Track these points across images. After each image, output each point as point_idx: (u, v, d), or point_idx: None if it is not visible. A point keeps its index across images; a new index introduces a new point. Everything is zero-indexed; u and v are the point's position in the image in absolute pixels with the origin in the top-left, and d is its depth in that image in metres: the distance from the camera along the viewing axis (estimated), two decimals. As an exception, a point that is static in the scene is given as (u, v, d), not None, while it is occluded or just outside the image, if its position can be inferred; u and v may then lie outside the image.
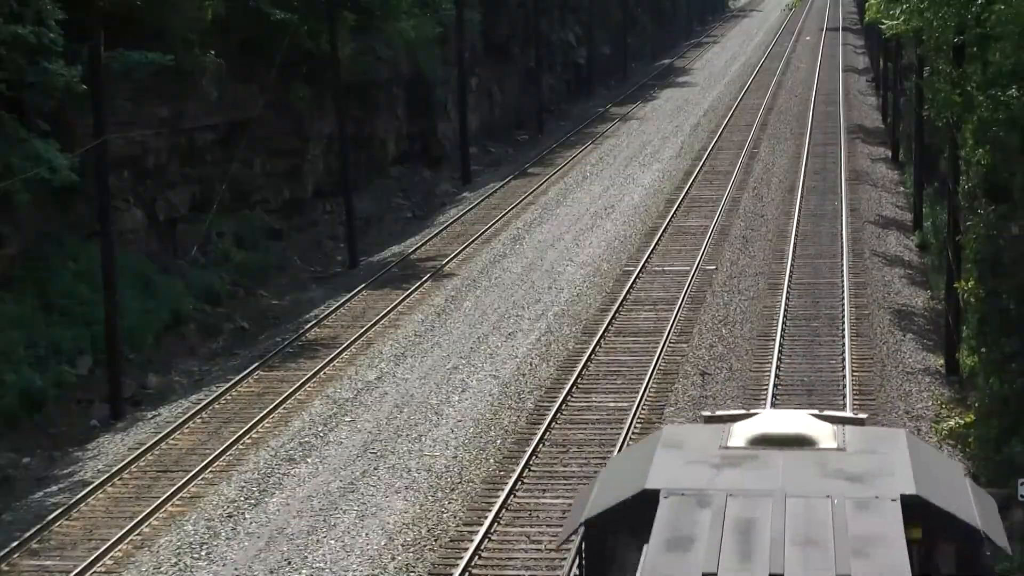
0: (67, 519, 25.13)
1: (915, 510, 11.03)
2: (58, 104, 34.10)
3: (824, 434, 12.52)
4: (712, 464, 11.80)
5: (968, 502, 11.95)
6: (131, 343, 34.39)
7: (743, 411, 13.98)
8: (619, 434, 27.72)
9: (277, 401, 30.64)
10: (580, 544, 11.10)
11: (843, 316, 35.83)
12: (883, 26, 40.65)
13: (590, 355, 33.09)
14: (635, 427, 28.31)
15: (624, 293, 38.50)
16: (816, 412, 13.93)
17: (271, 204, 47.10)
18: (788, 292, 38.05)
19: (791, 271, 40.38)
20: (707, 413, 15.34)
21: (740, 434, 12.57)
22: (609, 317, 36.19)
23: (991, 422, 27.94)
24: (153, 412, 31.29)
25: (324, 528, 24.18)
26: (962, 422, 29.81)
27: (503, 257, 43.81)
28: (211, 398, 31.16)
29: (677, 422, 24.34)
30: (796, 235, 44.86)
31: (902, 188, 54.82)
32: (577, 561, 10.98)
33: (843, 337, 34.07)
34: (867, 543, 10.26)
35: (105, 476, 26.80)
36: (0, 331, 31.54)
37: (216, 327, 38.23)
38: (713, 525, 10.47)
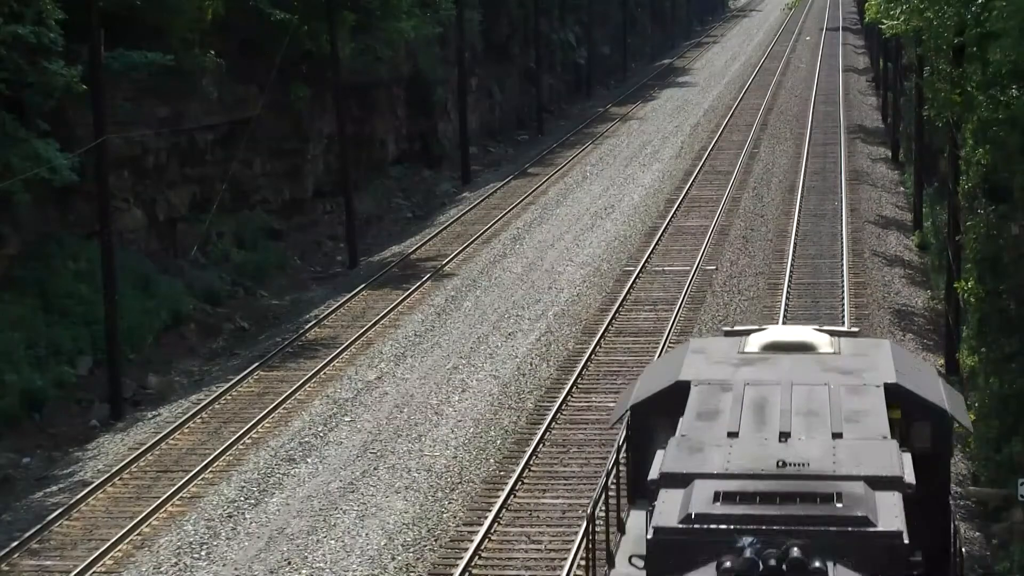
0: (67, 519, 25.13)
1: (895, 395, 13.63)
2: (58, 104, 34.09)
3: (823, 342, 15.20)
4: (732, 364, 14.46)
5: (939, 392, 14.45)
6: (131, 343, 34.39)
7: (756, 326, 16.74)
8: (619, 434, 27.68)
9: (277, 401, 30.64)
10: (627, 424, 14.44)
11: (843, 316, 35.82)
12: (883, 26, 40.63)
13: (590, 355, 33.09)
14: None
15: (624, 293, 38.50)
16: (817, 327, 16.63)
17: (271, 204, 47.11)
18: (788, 292, 38.05)
19: (791, 271, 40.38)
20: (727, 328, 18.15)
21: (754, 342, 15.23)
22: (609, 317, 36.19)
23: (991, 422, 27.94)
24: (153, 412, 31.29)
25: (324, 528, 24.18)
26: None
27: (503, 257, 43.81)
28: (211, 398, 31.16)
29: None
30: (796, 235, 44.87)
31: (902, 188, 54.83)
32: (625, 436, 14.39)
33: (843, 337, 34.05)
34: (856, 415, 12.95)
35: (105, 476, 26.80)
36: (0, 331, 31.55)
37: (216, 327, 38.23)
38: (734, 404, 13.12)
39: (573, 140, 67.24)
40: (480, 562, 22.83)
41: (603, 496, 13.53)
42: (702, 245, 43.90)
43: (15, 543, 23.89)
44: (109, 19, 33.95)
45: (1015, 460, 25.99)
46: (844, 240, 44.21)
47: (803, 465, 11.84)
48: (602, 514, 13.23)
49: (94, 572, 22.97)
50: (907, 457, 12.28)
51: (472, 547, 22.95)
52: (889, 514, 11.06)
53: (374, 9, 49.16)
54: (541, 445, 27.64)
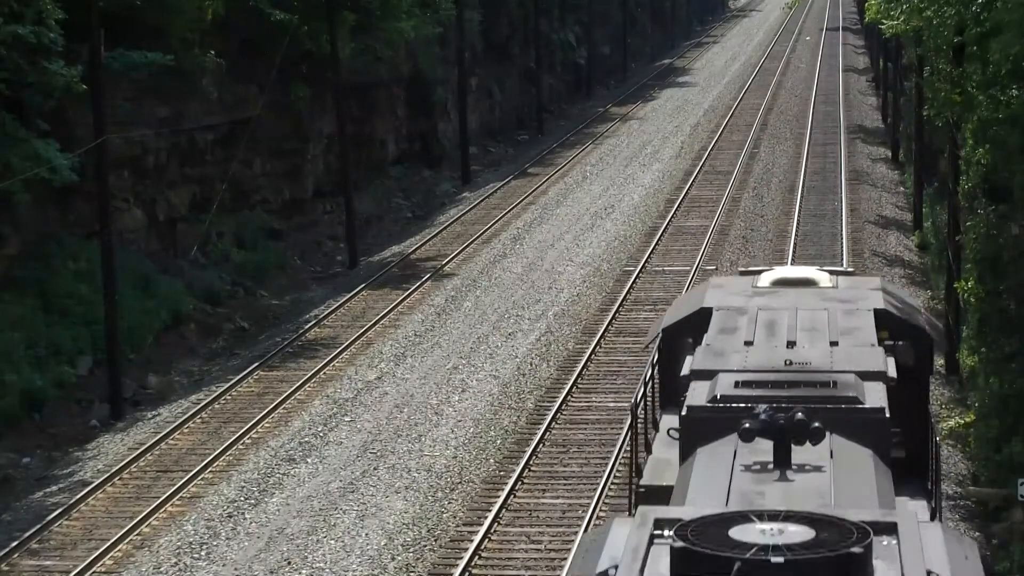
0: (67, 519, 25.13)
1: (882, 319, 15.97)
2: (58, 104, 34.09)
3: (824, 278, 17.82)
4: (747, 295, 17.00)
5: (920, 319, 17.11)
6: (131, 343, 34.39)
7: (767, 267, 19.84)
8: (619, 434, 27.71)
9: (277, 401, 30.64)
10: (658, 346, 16.84)
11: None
12: (883, 26, 40.64)
13: (590, 355, 33.09)
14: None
15: (624, 293, 38.50)
16: (818, 267, 19.25)
17: (271, 204, 47.11)
18: (788, 292, 38.01)
19: (791, 271, 40.33)
20: (741, 269, 22.06)
21: (765, 279, 17.81)
22: (609, 317, 36.19)
23: (991, 422, 27.93)
24: (153, 412, 31.29)
25: (324, 528, 24.18)
26: (962, 422, 29.81)
27: (503, 257, 43.81)
28: (211, 398, 31.16)
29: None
30: (796, 235, 44.87)
31: (902, 188, 54.83)
32: (656, 357, 16.70)
33: (843, 337, 34.08)
34: (849, 330, 15.47)
35: (105, 476, 26.80)
36: (0, 331, 31.55)
37: (216, 327, 38.24)
38: (749, 322, 15.74)
39: (573, 140, 67.24)
40: (480, 562, 22.83)
41: (643, 397, 15.92)
42: (702, 245, 43.90)
43: (15, 543, 23.89)
44: (109, 19, 33.94)
45: (1015, 460, 25.99)
46: (844, 240, 44.22)
47: (806, 363, 14.24)
48: (642, 413, 15.65)
49: (94, 572, 22.97)
50: (891, 360, 14.55)
51: (472, 547, 22.95)
52: (874, 396, 13.45)
53: (374, 9, 49.16)
54: (541, 445, 27.64)
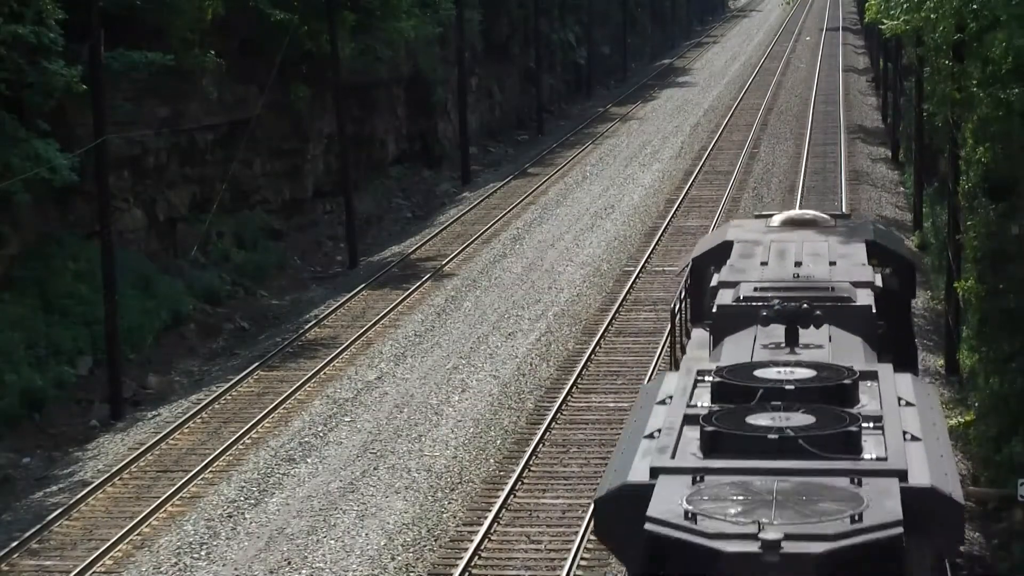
0: (67, 519, 25.13)
1: (873, 249, 19.60)
2: (58, 104, 34.09)
3: (825, 219, 21.68)
4: (761, 232, 20.71)
5: (905, 251, 21.58)
6: (131, 343, 34.39)
7: (778, 211, 23.68)
8: (619, 434, 27.67)
9: (277, 401, 30.64)
10: (688, 273, 20.44)
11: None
12: (883, 26, 40.63)
13: (590, 355, 33.09)
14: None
15: (624, 293, 38.51)
16: (819, 212, 23.19)
17: (271, 204, 47.11)
18: (788, 292, 38.03)
19: (791, 271, 40.35)
20: (756, 213, 26.92)
21: (776, 220, 21.57)
22: (609, 317, 36.20)
23: (991, 422, 27.93)
24: (153, 412, 31.29)
25: (324, 528, 24.18)
26: (962, 421, 29.80)
27: (503, 257, 43.82)
28: (211, 398, 31.16)
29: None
30: (796, 235, 44.82)
31: (902, 188, 54.82)
32: (687, 282, 20.20)
33: (843, 337, 34.12)
34: (845, 255, 19.12)
35: (105, 476, 26.81)
36: (0, 331, 31.55)
37: (216, 327, 38.24)
38: (764, 250, 19.30)
39: (573, 140, 67.24)
40: (480, 562, 22.83)
41: (678, 312, 19.49)
42: (702, 245, 43.85)
43: (15, 543, 23.89)
44: (109, 19, 33.94)
45: (1015, 460, 25.98)
46: (844, 240, 44.17)
47: (810, 276, 18.10)
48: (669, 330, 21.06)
49: (94, 572, 22.97)
50: (878, 275, 18.22)
51: (472, 547, 22.95)
52: (864, 298, 17.07)
53: (374, 9, 49.16)
54: (541, 445, 27.64)
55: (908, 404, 13.11)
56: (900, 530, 10.50)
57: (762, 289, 17.33)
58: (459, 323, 36.64)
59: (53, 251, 34.85)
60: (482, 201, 52.87)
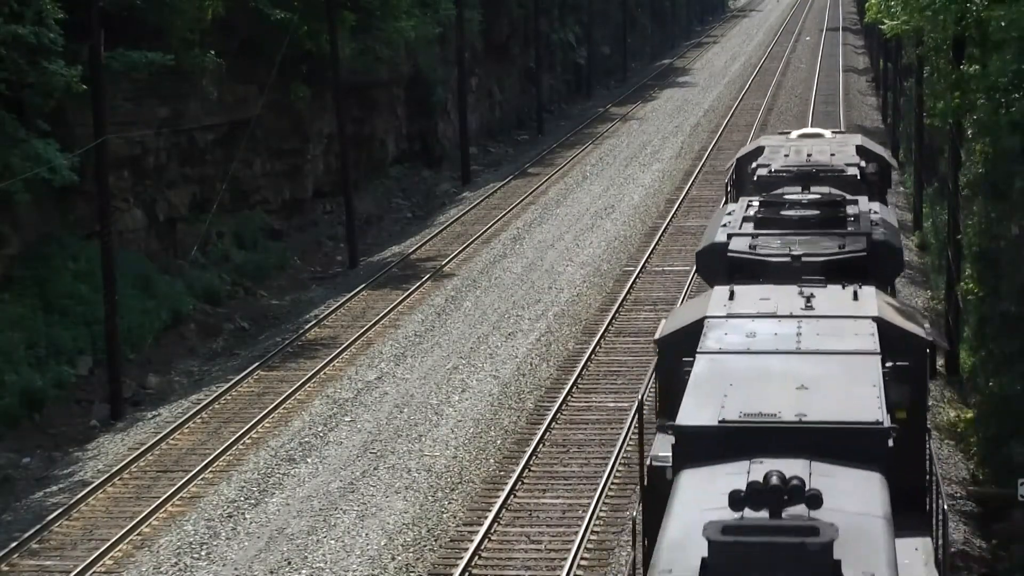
0: (67, 519, 25.13)
1: (860, 151, 28.10)
2: (58, 104, 34.08)
3: (827, 133, 31.49)
4: (784, 140, 30.24)
5: (885, 153, 30.80)
6: (131, 343, 34.40)
7: (795, 129, 34.61)
8: (620, 434, 27.72)
9: (277, 401, 30.64)
10: (733, 169, 29.54)
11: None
12: (883, 27, 40.63)
13: (590, 355, 33.09)
14: (636, 426, 28.33)
15: (624, 293, 38.51)
16: (823, 128, 34.02)
17: (271, 204, 47.11)
18: (788, 292, 38.04)
19: (791, 271, 40.35)
20: (782, 130, 36.99)
21: (794, 134, 31.82)
22: (609, 317, 36.19)
23: (991, 422, 27.95)
24: (153, 412, 31.29)
25: (324, 528, 24.18)
26: (963, 418, 29.82)
27: (503, 257, 43.81)
28: (211, 398, 31.16)
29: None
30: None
31: (902, 188, 54.81)
32: (732, 175, 28.88)
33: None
34: (840, 150, 27.77)
35: (105, 476, 26.81)
36: (0, 331, 31.55)
37: (216, 327, 38.24)
38: (785, 149, 28.11)
39: (573, 140, 67.24)
40: (480, 562, 22.83)
41: (726, 195, 28.77)
42: (702, 245, 43.83)
43: (15, 543, 23.89)
44: (109, 19, 33.94)
45: (1015, 460, 26.00)
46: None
47: (817, 161, 26.89)
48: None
49: (94, 572, 22.97)
50: (863, 163, 27.17)
51: (472, 547, 22.95)
52: (852, 171, 26.11)
53: (374, 9, 49.16)
54: (541, 445, 27.64)
55: (876, 219, 21.71)
56: (864, 254, 20.09)
57: (786, 167, 26.35)
58: (459, 323, 36.64)
59: (53, 251, 34.85)
60: (482, 201, 52.87)
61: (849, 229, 21.08)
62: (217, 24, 41.54)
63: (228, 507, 25.27)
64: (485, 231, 47.42)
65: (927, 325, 16.95)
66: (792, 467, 11.30)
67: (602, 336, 34.66)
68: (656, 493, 13.95)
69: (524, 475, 26.16)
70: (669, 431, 13.26)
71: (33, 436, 30.30)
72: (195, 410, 30.38)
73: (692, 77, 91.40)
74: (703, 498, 11.54)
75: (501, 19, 70.76)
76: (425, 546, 23.41)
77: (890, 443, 12.57)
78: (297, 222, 48.41)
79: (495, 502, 24.81)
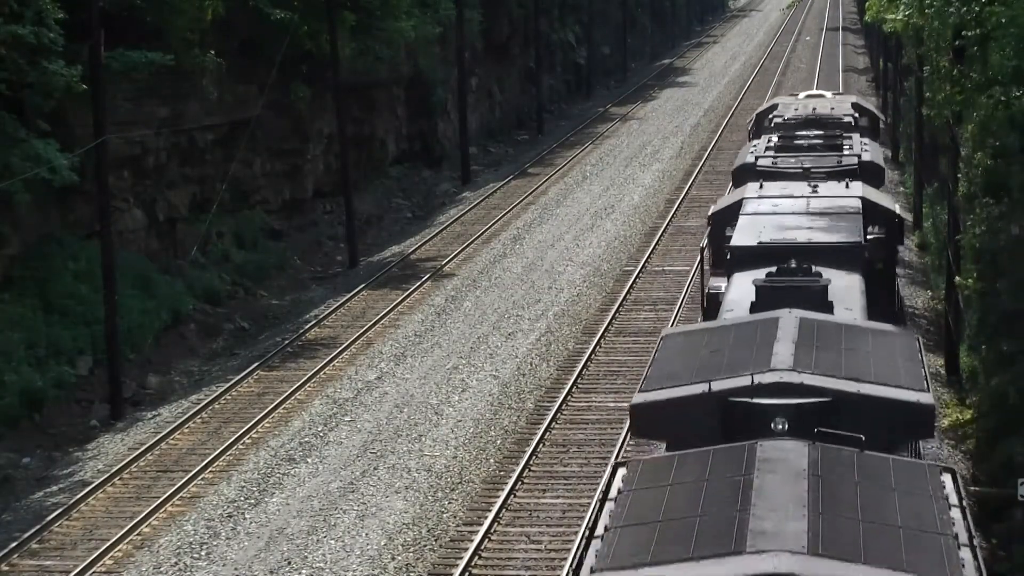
0: (67, 519, 25.14)
1: (855, 106, 35.28)
2: (58, 104, 34.07)
3: (828, 94, 39.34)
4: (794, 99, 37.60)
5: (875, 108, 41.86)
6: (131, 343, 34.39)
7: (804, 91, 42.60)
8: (619, 434, 27.71)
9: (277, 401, 30.65)
10: (754, 121, 36.98)
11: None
12: (884, 24, 40.68)
13: (590, 355, 33.09)
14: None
15: (624, 293, 38.51)
16: (824, 90, 42.77)
17: (271, 204, 47.09)
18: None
19: (791, 271, 40.36)
20: (791, 93, 44.30)
21: (802, 95, 38.84)
22: (609, 317, 36.20)
23: (991, 422, 27.93)
24: (153, 412, 31.29)
25: (324, 528, 24.18)
26: (963, 418, 29.80)
27: (503, 257, 43.82)
28: (211, 398, 31.16)
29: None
30: (796, 235, 44.88)
31: (902, 188, 54.81)
32: (752, 126, 36.30)
33: (843, 337, 34.24)
34: (838, 107, 34.88)
35: (105, 476, 26.81)
36: (0, 331, 31.55)
37: (216, 327, 38.23)
38: (795, 105, 35.45)
39: (573, 140, 67.23)
40: (480, 562, 22.83)
41: (751, 134, 34.62)
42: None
43: (15, 543, 23.90)
44: (109, 19, 33.93)
45: (1015, 460, 25.98)
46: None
47: (819, 113, 33.17)
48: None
49: (94, 572, 22.98)
50: (857, 115, 33.51)
51: (472, 547, 22.95)
52: (848, 119, 32.52)
53: (374, 9, 49.14)
54: (541, 445, 27.65)
55: (865, 147, 28.68)
56: (855, 167, 26.27)
57: (795, 117, 33.34)
58: (459, 323, 36.64)
59: (53, 251, 34.84)
60: (482, 201, 52.87)
61: (844, 152, 28.16)
62: (217, 24, 41.52)
63: (228, 507, 25.28)
64: (485, 231, 47.42)
65: (898, 206, 23.88)
66: (806, 296, 17.51)
67: (602, 336, 34.67)
68: (711, 313, 20.11)
69: (524, 475, 26.17)
70: (726, 252, 20.81)
71: (33, 436, 30.30)
72: (195, 410, 30.39)
73: (692, 77, 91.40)
74: (749, 283, 18.38)
75: (501, 19, 70.74)
76: (425, 546, 23.41)
77: (865, 255, 20.55)
78: (297, 222, 48.40)
79: (495, 502, 24.81)
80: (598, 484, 25.34)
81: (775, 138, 30.05)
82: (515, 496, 25.31)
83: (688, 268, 40.97)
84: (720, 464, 12.11)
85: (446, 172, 60.14)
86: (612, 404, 29.89)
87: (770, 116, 34.44)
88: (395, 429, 28.91)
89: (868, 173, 26.40)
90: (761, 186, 23.96)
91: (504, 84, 72.91)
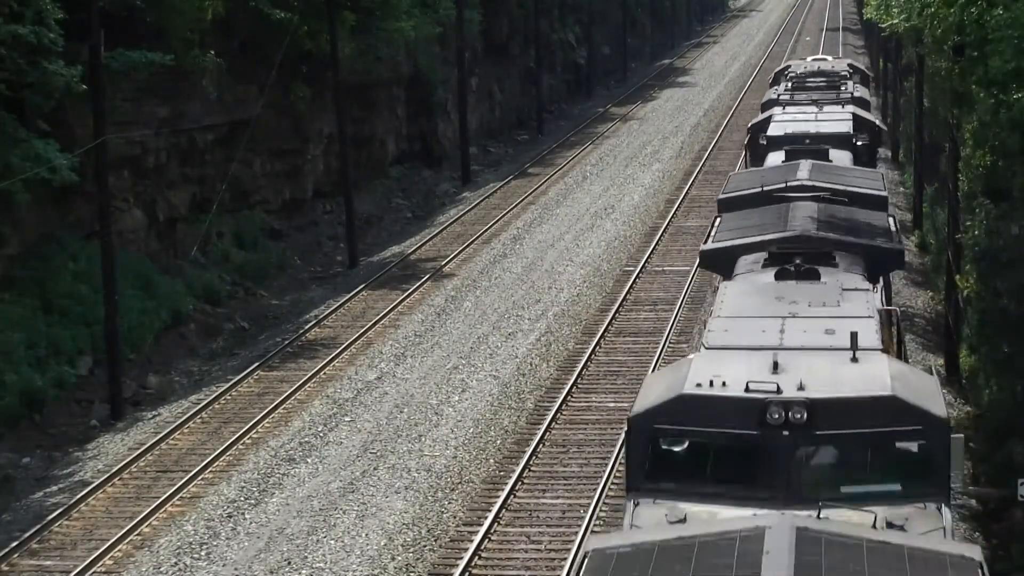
0: (67, 519, 25.13)
1: (849, 66, 47.33)
2: (58, 104, 34.07)
3: (829, 57, 54.86)
4: (801, 62, 49.39)
5: (864, 67, 56.00)
6: (131, 343, 34.39)
7: (810, 57, 57.81)
8: (619, 434, 27.70)
9: (277, 401, 30.64)
10: (773, 78, 49.24)
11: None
12: (883, 24, 40.76)
13: (590, 355, 33.09)
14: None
15: (624, 293, 38.50)
16: (826, 56, 57.47)
17: (271, 204, 47.08)
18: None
19: (791, 271, 40.38)
20: (799, 58, 60.78)
21: (809, 58, 52.86)
22: (609, 317, 36.19)
23: (991, 422, 27.94)
24: (153, 412, 31.29)
25: (324, 528, 24.18)
26: (963, 416, 29.80)
27: (503, 257, 43.81)
28: (211, 398, 31.16)
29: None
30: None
31: (902, 188, 54.82)
32: (772, 80, 48.27)
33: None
34: (836, 64, 47.88)
35: (105, 476, 26.81)
36: (0, 331, 31.54)
37: (216, 327, 38.23)
38: (802, 65, 47.65)
39: (573, 140, 67.23)
40: (480, 562, 22.83)
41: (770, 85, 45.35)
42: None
43: (15, 543, 23.90)
44: (109, 19, 33.93)
45: (1015, 460, 26.00)
46: (844, 240, 44.28)
47: (823, 68, 45.32)
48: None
49: (94, 572, 22.98)
50: (850, 71, 45.04)
51: (472, 547, 22.95)
52: (844, 74, 43.54)
53: (374, 9, 49.15)
54: (541, 445, 27.64)
55: (856, 87, 41.51)
56: (850, 97, 38.73)
57: (805, 71, 44.07)
58: (459, 323, 36.64)
59: (53, 251, 34.84)
60: (482, 201, 52.87)
61: (841, 90, 40.30)
62: (217, 24, 41.53)
63: (228, 507, 25.27)
64: (485, 231, 47.42)
65: (878, 120, 36.36)
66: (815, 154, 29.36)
67: (602, 336, 34.66)
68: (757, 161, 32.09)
69: (524, 475, 26.16)
70: (763, 141, 33.18)
71: (33, 436, 30.30)
72: (195, 410, 30.38)
73: (692, 77, 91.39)
74: (781, 153, 30.49)
75: (501, 19, 70.74)
76: (425, 546, 23.41)
77: (853, 140, 32.30)
78: (297, 222, 48.40)
79: (495, 502, 24.81)
80: (598, 484, 25.37)
81: (790, 84, 42.58)
82: (515, 496, 25.31)
83: (688, 268, 40.98)
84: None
85: (446, 172, 60.14)
86: (612, 404, 29.88)
87: (786, 72, 46.37)
88: (395, 429, 28.91)
89: (859, 103, 38.38)
90: (783, 109, 37.04)
91: (504, 84, 72.91)
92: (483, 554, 23.05)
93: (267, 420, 29.74)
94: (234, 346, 36.82)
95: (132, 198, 39.02)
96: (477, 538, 23.28)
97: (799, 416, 13.68)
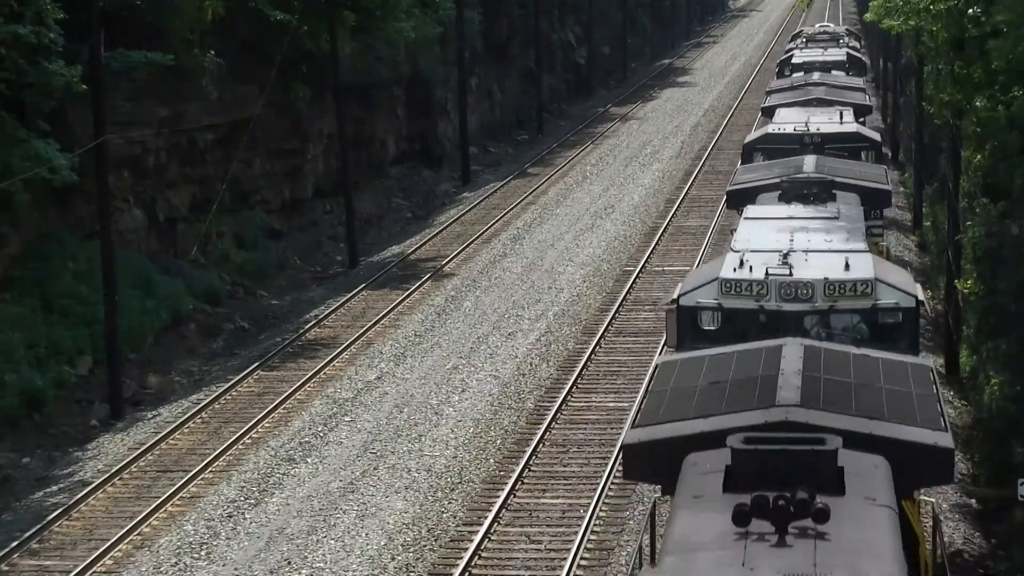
0: (67, 519, 25.13)
1: (846, 32, 72.18)
2: (58, 104, 34.07)
3: (832, 25, 79.36)
4: (811, 29, 71.90)
5: (859, 33, 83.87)
6: (131, 343, 34.39)
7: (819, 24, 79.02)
8: (619, 434, 27.70)
9: (277, 401, 30.64)
10: (788, 40, 75.90)
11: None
12: (883, 25, 40.73)
13: (590, 355, 33.09)
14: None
15: (624, 293, 38.51)
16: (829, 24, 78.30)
17: (271, 204, 47.08)
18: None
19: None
20: (809, 26, 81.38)
21: (817, 26, 75.85)
22: (609, 317, 36.19)
23: (991, 422, 27.94)
24: (153, 412, 31.29)
25: (324, 528, 24.18)
26: (963, 418, 29.80)
27: (503, 257, 43.81)
28: (211, 398, 31.16)
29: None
30: (796, 235, 44.95)
31: (902, 188, 54.81)
32: (791, 38, 72.17)
33: (843, 337, 34.36)
34: (837, 30, 71.59)
35: (105, 476, 26.81)
36: (0, 331, 31.54)
37: (216, 327, 38.23)
38: (812, 31, 69.78)
39: (573, 140, 67.23)
40: (480, 562, 22.83)
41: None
42: (702, 245, 43.90)
43: (15, 543, 23.90)
44: (109, 19, 33.93)
45: (1015, 460, 26.00)
46: (844, 240, 44.28)
47: (826, 33, 67.72)
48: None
49: (94, 572, 22.98)
50: (847, 34, 69.35)
51: (472, 547, 22.95)
52: (843, 43, 62.86)
53: (374, 9, 49.13)
54: (541, 445, 27.64)
55: (851, 41, 65.73)
56: (845, 53, 57.56)
57: (813, 31, 68.06)
58: (459, 323, 36.64)
59: (53, 251, 34.84)
60: (482, 201, 52.87)
61: (839, 41, 59.95)
62: (217, 24, 41.52)
63: (228, 507, 25.27)
64: (485, 231, 47.42)
65: (867, 59, 66.60)
66: (823, 67, 51.19)
67: (602, 336, 34.67)
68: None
69: (524, 475, 26.16)
70: (783, 66, 56.40)
71: (33, 436, 30.30)
72: (195, 410, 30.39)
73: (692, 77, 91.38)
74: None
75: (501, 19, 70.73)
76: (425, 546, 23.41)
77: (846, 64, 54.45)
78: (297, 222, 48.40)
79: (495, 502, 24.81)
80: (598, 484, 25.38)
81: (804, 39, 63.62)
82: (515, 496, 25.31)
83: (689, 268, 40.96)
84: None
85: (446, 172, 60.14)
86: (612, 404, 29.89)
87: (800, 34, 67.40)
88: (395, 429, 28.91)
89: (851, 48, 58.37)
90: (800, 50, 58.21)
91: (504, 84, 72.91)
92: (483, 554, 23.05)
93: (267, 420, 29.74)
94: (234, 346, 36.82)
95: (132, 198, 39.02)
96: (477, 538, 23.28)
97: (805, 293, 19.27)
